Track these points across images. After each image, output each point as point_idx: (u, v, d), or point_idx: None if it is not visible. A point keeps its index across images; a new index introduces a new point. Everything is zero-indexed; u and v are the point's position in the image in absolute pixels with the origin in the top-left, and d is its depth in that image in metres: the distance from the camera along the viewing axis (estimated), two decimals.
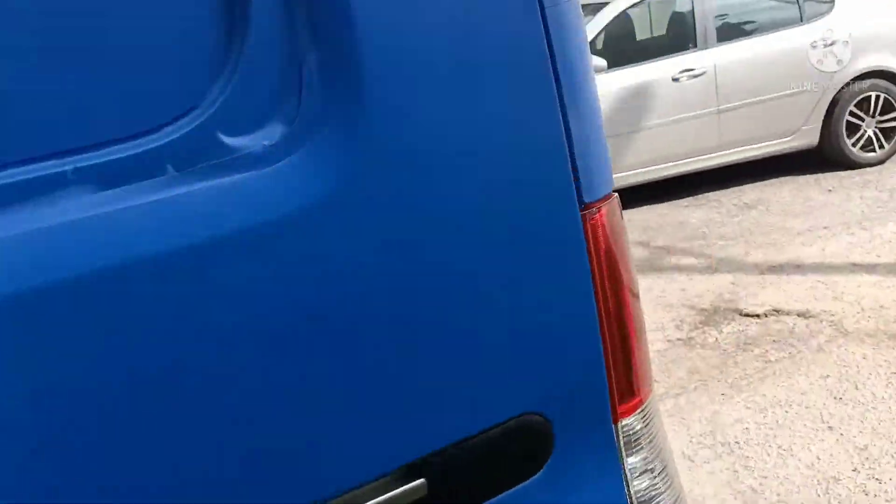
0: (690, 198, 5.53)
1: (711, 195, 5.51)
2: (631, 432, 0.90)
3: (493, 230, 0.79)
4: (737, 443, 2.59)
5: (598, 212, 0.85)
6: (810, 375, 2.94)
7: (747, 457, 2.51)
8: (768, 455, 2.50)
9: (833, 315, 3.41)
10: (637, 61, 5.34)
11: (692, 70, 5.29)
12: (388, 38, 0.72)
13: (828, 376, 2.91)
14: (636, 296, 0.92)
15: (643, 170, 5.39)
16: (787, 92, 5.38)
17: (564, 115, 0.81)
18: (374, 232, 0.74)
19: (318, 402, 0.74)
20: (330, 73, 0.71)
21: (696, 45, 5.36)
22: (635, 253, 4.61)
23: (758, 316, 3.53)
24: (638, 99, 5.27)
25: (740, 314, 3.58)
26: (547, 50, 0.79)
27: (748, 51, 5.36)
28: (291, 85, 0.71)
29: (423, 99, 0.74)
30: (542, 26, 0.78)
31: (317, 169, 0.71)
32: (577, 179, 0.82)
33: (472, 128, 0.77)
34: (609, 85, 5.22)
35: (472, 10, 0.76)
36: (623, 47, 5.49)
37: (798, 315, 3.47)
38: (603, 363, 0.87)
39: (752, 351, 3.22)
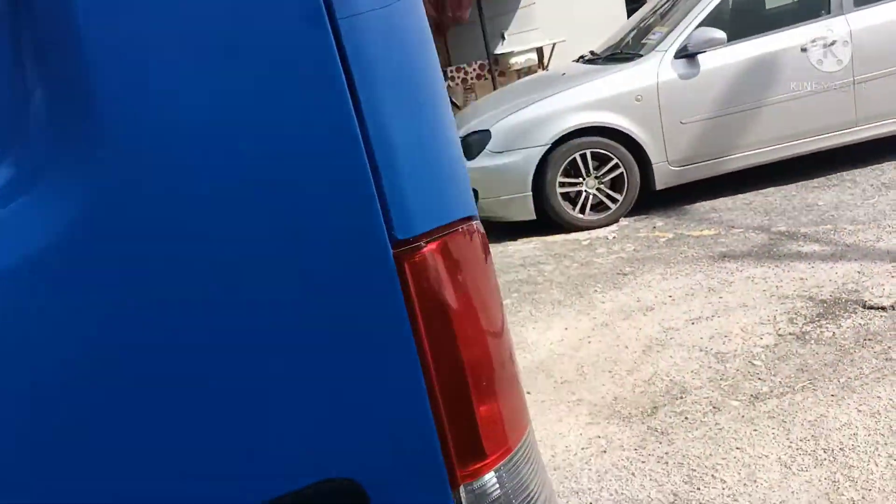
0: (822, 178, 5.11)
1: (846, 175, 5.06)
2: (485, 493, 0.80)
3: (271, 272, 0.70)
4: (841, 450, 2.39)
5: (423, 248, 0.75)
6: None
7: (851, 466, 2.30)
8: (876, 465, 2.28)
9: None
10: (762, 31, 4.97)
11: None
12: (127, 63, 0.65)
13: None
14: (492, 341, 0.81)
15: (768, 148, 5.04)
16: None
17: (366, 140, 0.72)
18: (118, 283, 0.66)
19: (63, 475, 0.66)
20: (59, 108, 0.66)
21: (828, 11, 4.92)
22: (753, 238, 4.32)
23: (883, 308, 3.22)
24: (762, 73, 4.91)
25: (864, 306, 3.28)
26: (339, 65, 0.70)
27: (889, 14, 4.85)
28: (20, 126, 0.66)
29: (175, 127, 0.67)
30: (331, 40, 0.70)
31: (44, 215, 0.65)
32: (386, 212, 0.73)
33: (237, 156, 0.69)
34: (730, 58, 4.92)
35: (232, 27, 0.67)
36: (747, 17, 5.13)
37: None
38: (431, 423, 0.76)
39: (873, 347, 2.94)
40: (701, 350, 3.21)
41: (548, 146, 5.01)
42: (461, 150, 0.84)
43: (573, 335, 3.61)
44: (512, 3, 10.45)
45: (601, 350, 3.40)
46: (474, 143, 5.30)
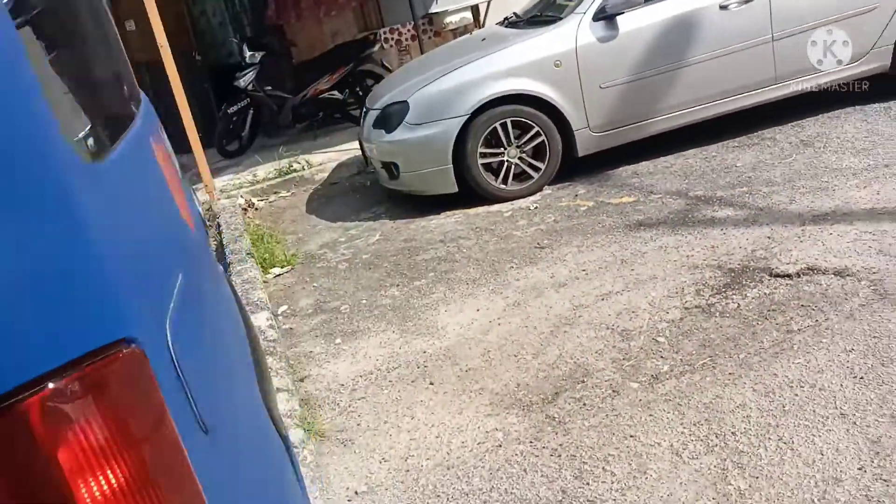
0: (743, 137, 5.05)
1: (767, 133, 5.01)
2: None
3: None
4: (733, 434, 2.34)
5: (12, 410, 0.57)
6: (833, 349, 2.61)
7: (741, 451, 2.26)
8: (765, 449, 2.24)
9: (874, 273, 3.01)
10: None
11: None
12: None
13: (852, 350, 2.57)
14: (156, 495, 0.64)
15: (689, 110, 4.95)
16: (853, 11, 4.75)
17: None
18: None
19: None
20: None
21: None
22: (671, 204, 4.26)
23: (789, 276, 3.18)
24: (681, 32, 4.80)
25: (770, 274, 3.23)
26: None
27: None
28: None
29: None
30: None
31: None
32: None
33: None
34: (648, 19, 4.79)
35: None
36: None
37: (835, 274, 3.09)
38: None
39: (775, 319, 2.90)
40: (608, 328, 3.14)
41: (467, 116, 4.85)
42: (102, 252, 0.65)
43: (484, 317, 3.52)
44: None
45: (510, 332, 3.32)
46: (393, 115, 5.12)
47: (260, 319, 3.74)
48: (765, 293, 3.10)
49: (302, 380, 3.33)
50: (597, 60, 4.81)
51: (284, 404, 2.96)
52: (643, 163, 5.06)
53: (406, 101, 5.04)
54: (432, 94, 4.96)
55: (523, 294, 3.65)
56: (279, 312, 4.15)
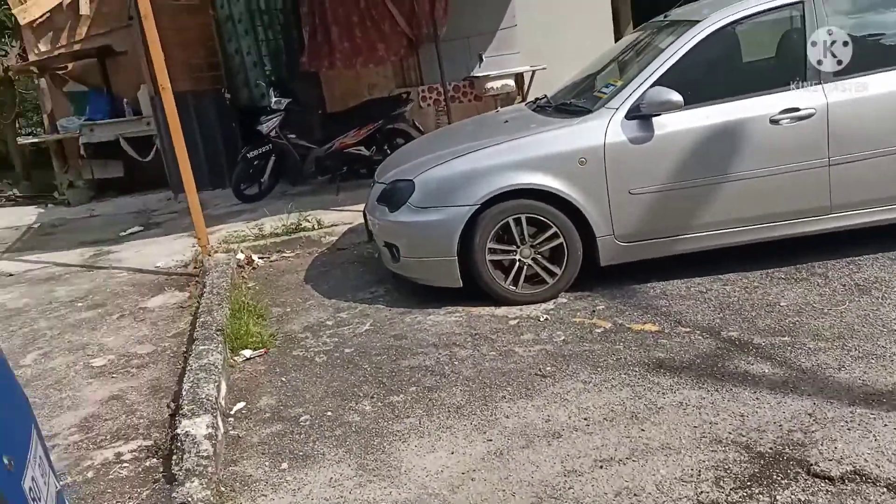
0: (791, 266, 4.45)
1: (817, 266, 4.41)
2: None
3: None
4: None
5: None
6: None
7: None
8: None
9: None
10: (727, 96, 4.32)
11: (796, 110, 4.21)
12: None
13: None
14: None
15: (728, 230, 4.38)
16: None
17: None
18: None
19: None
20: None
21: (803, 79, 4.25)
22: (699, 344, 3.67)
23: (831, 479, 2.56)
24: (725, 143, 4.26)
25: (808, 472, 2.62)
26: None
27: (874, 87, 4.20)
28: None
29: None
30: None
31: None
32: None
33: None
34: (688, 124, 4.27)
35: None
36: (711, 78, 4.47)
37: (888, 487, 2.47)
38: None
39: None
40: None
41: (476, 207, 4.36)
42: None
43: (458, 465, 2.95)
44: (491, 22, 9.77)
45: (483, 495, 2.74)
46: (397, 193, 4.66)
47: (199, 427, 3.22)
48: (800, 499, 2.49)
49: None
50: (627, 163, 4.30)
51: None
52: (675, 281, 4.49)
53: (412, 180, 4.58)
54: (440, 177, 4.49)
55: (510, 439, 3.08)
56: (233, 412, 3.63)
